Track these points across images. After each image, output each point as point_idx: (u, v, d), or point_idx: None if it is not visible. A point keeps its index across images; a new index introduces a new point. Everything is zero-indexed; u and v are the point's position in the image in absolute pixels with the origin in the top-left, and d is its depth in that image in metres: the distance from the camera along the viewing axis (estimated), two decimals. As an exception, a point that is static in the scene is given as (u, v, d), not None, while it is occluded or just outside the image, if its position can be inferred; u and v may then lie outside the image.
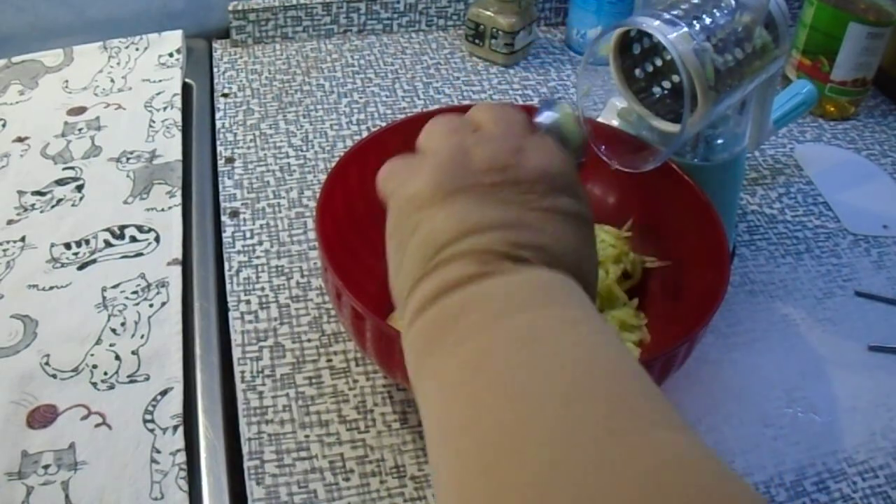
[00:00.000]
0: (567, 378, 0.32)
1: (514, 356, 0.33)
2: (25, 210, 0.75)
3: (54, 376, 0.61)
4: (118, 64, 0.94)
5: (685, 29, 0.56)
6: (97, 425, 0.58)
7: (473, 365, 0.34)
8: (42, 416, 0.58)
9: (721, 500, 0.28)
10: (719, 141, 0.66)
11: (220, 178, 0.80)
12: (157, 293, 0.68)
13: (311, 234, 0.74)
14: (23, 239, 0.72)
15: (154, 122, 0.86)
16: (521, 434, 0.30)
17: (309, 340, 0.65)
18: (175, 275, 0.69)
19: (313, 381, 0.62)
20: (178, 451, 0.57)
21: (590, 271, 0.41)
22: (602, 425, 0.30)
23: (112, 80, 0.91)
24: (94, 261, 0.70)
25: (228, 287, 0.69)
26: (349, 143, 0.85)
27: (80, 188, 0.77)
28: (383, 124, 0.84)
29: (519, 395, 0.32)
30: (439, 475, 0.33)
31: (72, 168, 0.80)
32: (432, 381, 0.36)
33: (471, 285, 0.36)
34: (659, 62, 0.64)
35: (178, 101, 0.88)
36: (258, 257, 0.72)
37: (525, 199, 0.40)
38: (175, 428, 0.58)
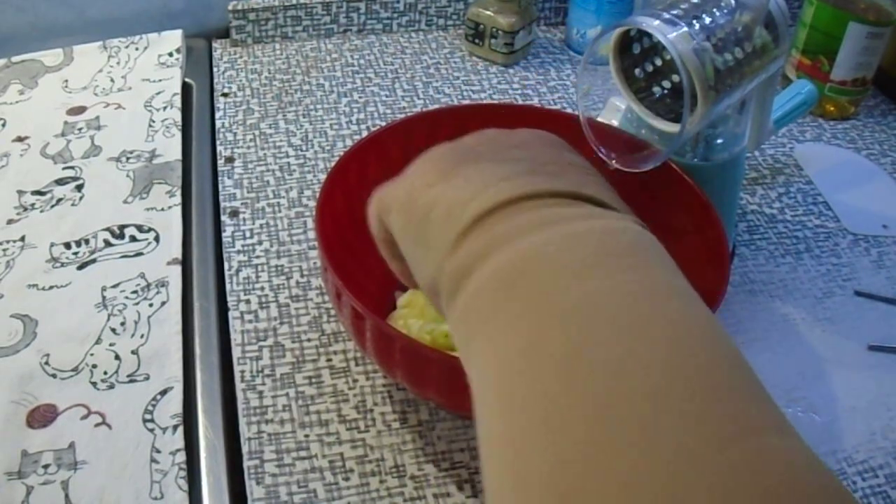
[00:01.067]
0: (660, 369, 0.27)
1: (590, 339, 0.28)
2: (25, 210, 0.75)
3: (54, 376, 0.61)
4: (118, 63, 0.94)
5: (685, 28, 0.56)
6: (97, 425, 0.58)
7: (535, 348, 0.29)
8: (42, 416, 0.58)
9: None
10: (719, 140, 0.66)
11: (219, 178, 0.80)
12: (157, 293, 0.68)
13: (311, 234, 0.74)
14: (22, 238, 0.72)
15: (154, 121, 0.86)
16: (605, 443, 0.25)
17: (309, 340, 0.65)
18: (175, 274, 0.69)
19: (313, 380, 0.62)
20: (178, 450, 0.57)
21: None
22: (703, 430, 0.25)
23: (112, 80, 0.91)
24: (93, 260, 0.70)
25: (228, 287, 0.69)
26: (349, 142, 0.85)
27: (79, 188, 0.77)
28: (383, 124, 0.84)
29: (601, 393, 0.26)
30: (500, 480, 0.28)
31: (71, 168, 0.80)
32: (488, 366, 0.31)
33: (521, 239, 0.31)
34: (659, 62, 0.64)
35: (177, 101, 0.88)
36: (258, 257, 0.72)
37: (531, 156, 0.37)
38: (175, 427, 0.58)
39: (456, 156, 0.38)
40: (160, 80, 0.91)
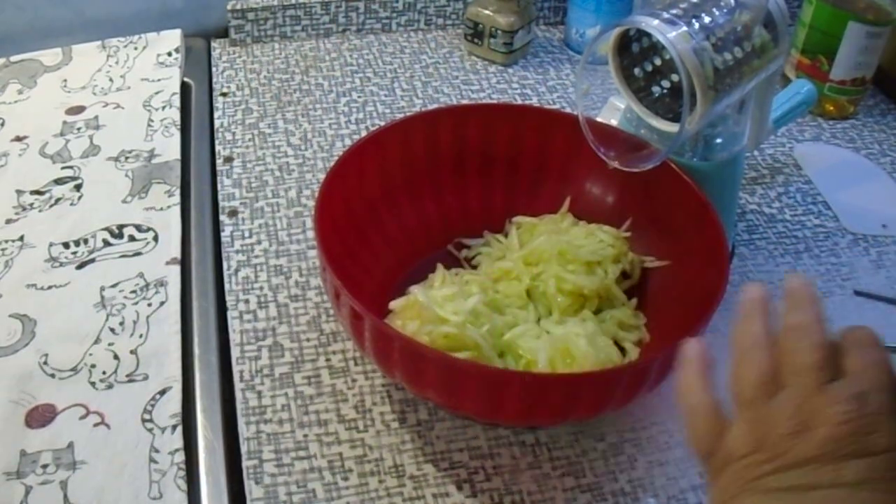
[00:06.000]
0: None
1: None
2: (24, 209, 0.75)
3: (53, 376, 0.61)
4: (117, 63, 0.94)
5: (684, 28, 0.56)
6: (96, 425, 0.58)
7: None
8: (41, 416, 0.58)
9: None
10: (718, 140, 0.66)
11: (218, 178, 0.80)
12: (156, 292, 0.68)
13: (310, 234, 0.74)
14: (21, 238, 0.72)
15: (153, 121, 0.86)
16: None
17: (308, 340, 0.65)
18: (174, 274, 0.69)
19: (312, 380, 0.62)
20: (177, 450, 0.57)
21: None
22: None
23: (111, 80, 0.91)
24: (92, 260, 0.70)
25: (227, 286, 0.69)
26: (348, 142, 0.84)
27: (78, 187, 0.77)
28: (382, 123, 0.84)
29: None
30: None
31: (70, 167, 0.80)
32: None
33: None
34: (658, 61, 0.64)
35: (176, 101, 0.88)
36: (257, 256, 0.72)
37: (806, 481, 0.38)
38: (174, 427, 0.58)
39: (743, 473, 0.40)
40: (159, 80, 0.91)
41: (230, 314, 0.67)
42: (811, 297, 0.43)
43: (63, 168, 0.79)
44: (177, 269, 0.70)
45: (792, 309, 0.43)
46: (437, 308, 0.57)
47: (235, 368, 0.63)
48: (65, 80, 0.91)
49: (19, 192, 0.76)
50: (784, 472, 0.38)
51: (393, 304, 0.59)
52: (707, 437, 0.42)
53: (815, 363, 0.40)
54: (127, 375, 0.61)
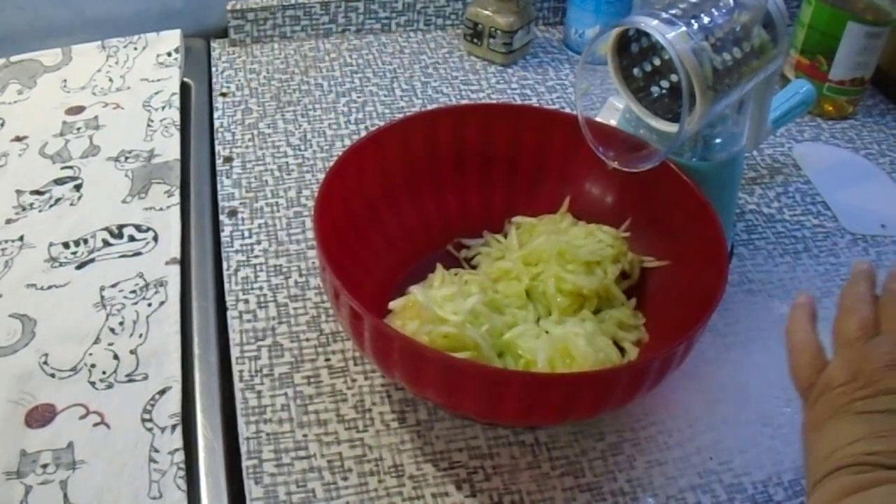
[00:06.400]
0: None
1: None
2: (24, 209, 0.75)
3: (53, 375, 0.61)
4: (116, 63, 0.94)
5: (683, 28, 0.56)
6: (96, 424, 0.58)
7: None
8: (40, 416, 0.58)
9: None
10: (717, 140, 0.66)
11: (218, 178, 0.80)
12: (156, 292, 0.68)
13: (310, 234, 0.74)
14: (21, 238, 0.72)
15: (152, 121, 0.86)
16: None
17: (307, 340, 0.65)
18: (173, 274, 0.69)
19: (312, 380, 0.62)
20: (177, 450, 0.57)
21: None
22: None
23: (110, 80, 0.91)
24: (92, 260, 0.70)
25: (227, 286, 0.69)
26: (347, 142, 0.85)
27: (78, 187, 0.77)
28: (381, 123, 0.84)
29: None
30: None
31: (70, 167, 0.80)
32: None
33: (848, 499, 0.40)
34: (657, 61, 0.64)
35: (176, 101, 0.88)
36: (256, 256, 0.72)
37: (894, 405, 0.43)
38: (173, 427, 0.58)
39: (836, 397, 0.45)
40: (159, 80, 0.91)
41: (230, 314, 0.67)
42: None
43: (63, 168, 0.80)
44: (176, 269, 0.70)
45: (893, 279, 0.49)
46: (436, 308, 0.57)
47: (235, 368, 0.63)
48: (65, 81, 0.91)
49: (19, 192, 0.77)
50: (874, 398, 0.43)
51: (392, 304, 0.59)
52: (809, 370, 0.47)
53: None
54: (127, 375, 0.61)
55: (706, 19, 0.58)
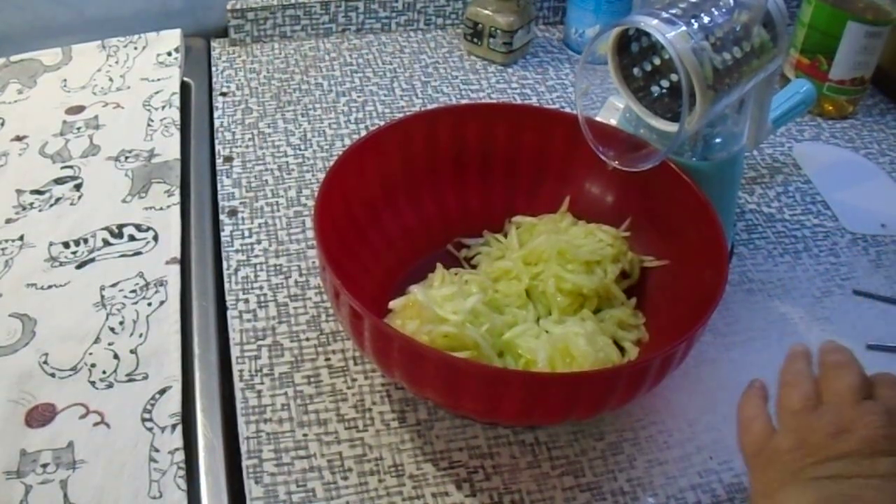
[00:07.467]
0: None
1: None
2: (24, 209, 0.75)
3: (53, 375, 0.61)
4: (116, 63, 0.94)
5: (683, 28, 0.56)
6: (96, 424, 0.58)
7: None
8: (40, 415, 0.58)
9: None
10: (718, 140, 0.66)
11: (218, 177, 0.80)
12: (156, 292, 0.68)
13: (310, 233, 0.74)
14: (21, 238, 0.72)
15: (152, 120, 0.86)
16: None
17: (307, 339, 0.65)
18: (173, 274, 0.69)
19: (312, 379, 0.62)
20: (177, 449, 0.57)
21: None
22: None
23: (110, 79, 0.91)
24: (92, 260, 0.70)
25: (227, 286, 0.69)
26: (347, 141, 0.85)
27: (78, 187, 0.77)
28: (381, 123, 0.84)
29: None
30: None
31: (70, 167, 0.80)
32: None
33: None
34: (657, 61, 0.64)
35: (176, 100, 0.88)
36: (256, 256, 0.72)
37: (842, 471, 0.45)
38: (173, 427, 0.58)
39: (790, 463, 0.47)
40: (159, 80, 0.91)
41: (230, 314, 0.67)
42: (845, 348, 0.52)
43: (63, 168, 0.80)
44: (176, 268, 0.70)
45: (831, 352, 0.52)
46: (436, 308, 0.57)
47: (235, 368, 0.63)
48: (65, 80, 0.91)
49: (19, 192, 0.77)
50: (824, 464, 0.45)
51: (392, 304, 0.59)
52: (760, 437, 0.50)
53: (852, 384, 0.48)
54: (127, 375, 0.61)
55: (706, 19, 0.58)
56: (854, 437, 0.45)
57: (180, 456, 0.56)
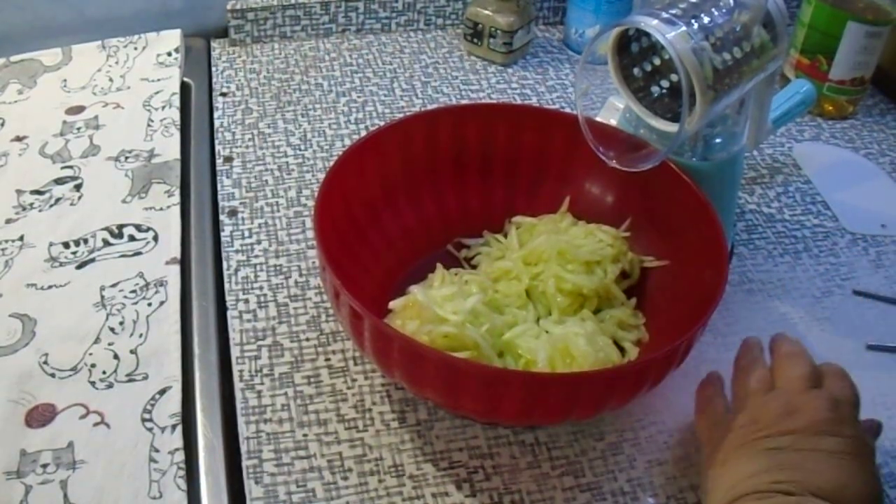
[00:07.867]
0: None
1: None
2: (24, 209, 0.75)
3: (53, 375, 0.61)
4: (117, 63, 0.94)
5: (683, 28, 0.56)
6: (96, 424, 0.58)
7: None
8: (40, 415, 0.58)
9: None
10: (718, 140, 0.66)
11: (218, 178, 0.80)
12: (156, 292, 0.68)
13: (310, 234, 0.74)
14: (21, 238, 0.72)
15: (152, 121, 0.86)
16: None
17: (307, 339, 0.65)
18: (173, 274, 0.69)
19: (312, 380, 0.62)
20: (177, 450, 0.57)
21: (857, 497, 0.47)
22: None
23: (110, 80, 0.91)
24: (92, 260, 0.70)
25: (227, 286, 0.69)
26: (347, 142, 0.85)
27: (78, 187, 0.77)
28: (381, 123, 0.84)
29: None
30: None
31: (70, 167, 0.80)
32: None
33: None
34: (657, 61, 0.64)
35: (176, 101, 0.88)
36: (257, 256, 0.72)
37: (790, 444, 0.49)
38: (173, 427, 0.58)
39: (742, 436, 0.51)
40: (159, 80, 0.91)
41: (230, 314, 0.67)
42: (797, 339, 0.57)
43: (63, 168, 0.80)
44: (176, 268, 0.70)
45: (784, 343, 0.56)
46: (436, 308, 0.57)
47: (235, 368, 0.63)
48: (65, 80, 0.91)
49: (19, 192, 0.77)
50: (774, 437, 0.49)
51: (392, 304, 0.59)
52: (715, 414, 0.55)
53: (803, 373, 0.53)
54: (127, 375, 0.61)
55: (706, 19, 0.58)
56: (802, 417, 0.49)
57: (180, 456, 0.56)
